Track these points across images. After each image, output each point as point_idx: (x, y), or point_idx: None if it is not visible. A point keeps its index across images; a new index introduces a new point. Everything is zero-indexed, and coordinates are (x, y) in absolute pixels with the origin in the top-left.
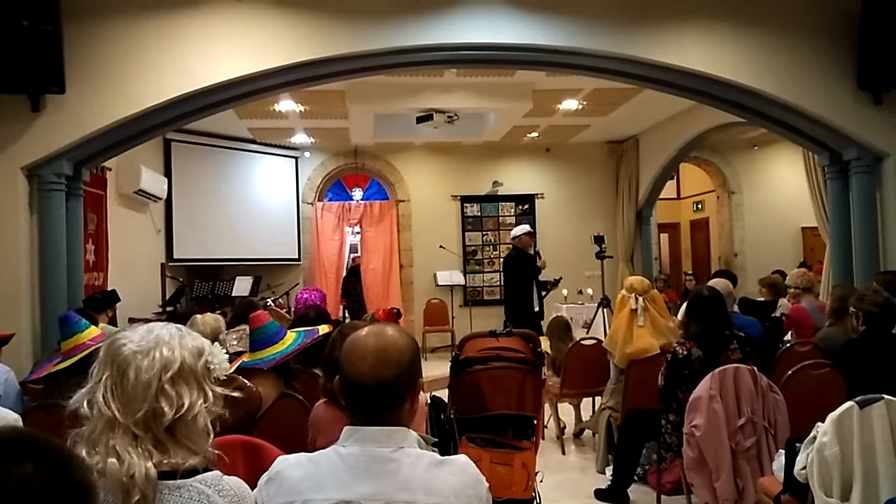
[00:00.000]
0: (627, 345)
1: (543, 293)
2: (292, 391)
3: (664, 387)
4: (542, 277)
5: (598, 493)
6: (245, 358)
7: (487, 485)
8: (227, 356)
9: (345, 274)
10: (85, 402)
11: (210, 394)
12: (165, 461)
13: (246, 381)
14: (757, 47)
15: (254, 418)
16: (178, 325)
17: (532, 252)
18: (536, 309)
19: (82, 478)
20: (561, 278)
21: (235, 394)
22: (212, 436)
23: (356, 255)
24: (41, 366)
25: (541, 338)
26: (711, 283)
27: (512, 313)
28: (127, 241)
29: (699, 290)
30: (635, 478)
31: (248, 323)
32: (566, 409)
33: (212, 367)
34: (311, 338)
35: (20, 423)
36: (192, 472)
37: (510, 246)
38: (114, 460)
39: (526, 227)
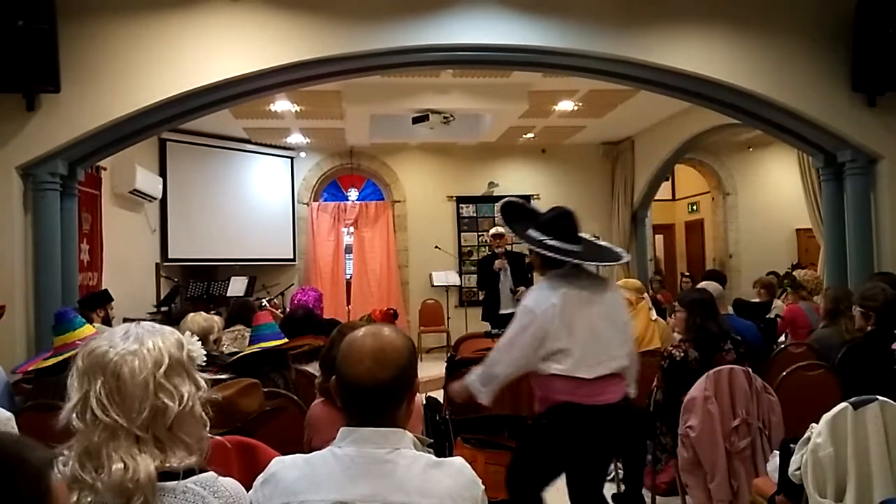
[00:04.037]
0: (641, 342)
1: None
2: (287, 391)
3: (663, 399)
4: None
5: None
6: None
7: (483, 487)
8: (200, 344)
9: None
10: (75, 415)
11: (201, 381)
12: (165, 462)
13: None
14: (752, 49)
15: (233, 425)
16: (151, 323)
17: (499, 251)
18: (507, 311)
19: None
20: (522, 289)
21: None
22: (208, 425)
23: None
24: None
25: None
26: (702, 284)
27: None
28: (122, 240)
29: (689, 291)
30: None
31: (253, 321)
32: None
33: (193, 355)
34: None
35: (13, 422)
36: (188, 473)
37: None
38: (120, 466)
39: (492, 230)
